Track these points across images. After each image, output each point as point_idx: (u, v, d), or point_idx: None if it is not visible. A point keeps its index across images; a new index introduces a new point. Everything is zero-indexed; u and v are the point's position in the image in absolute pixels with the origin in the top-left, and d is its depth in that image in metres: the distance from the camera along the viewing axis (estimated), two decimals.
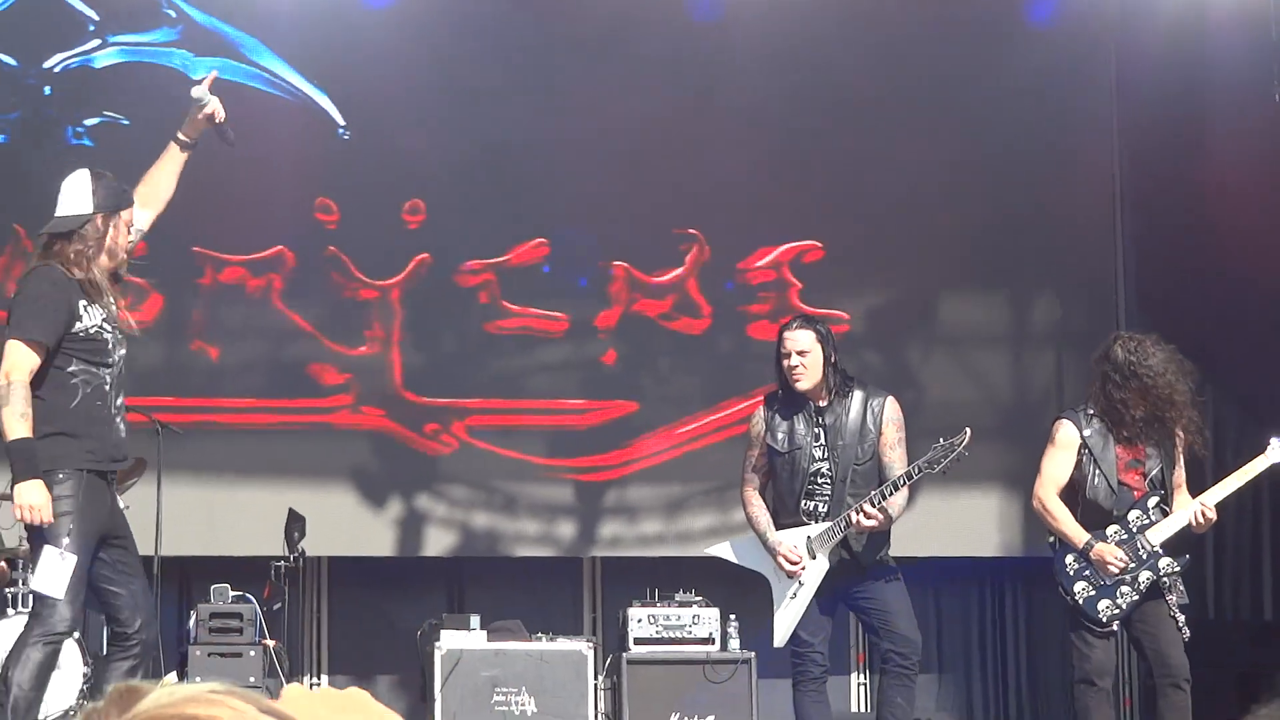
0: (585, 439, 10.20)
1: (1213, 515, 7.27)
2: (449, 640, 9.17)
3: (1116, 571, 7.17)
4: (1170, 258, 10.35)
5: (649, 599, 9.56)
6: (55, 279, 6.27)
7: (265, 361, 10.14)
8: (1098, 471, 7.23)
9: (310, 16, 9.97)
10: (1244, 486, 7.44)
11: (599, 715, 9.37)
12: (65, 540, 6.19)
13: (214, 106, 6.52)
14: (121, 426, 6.40)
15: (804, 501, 7.35)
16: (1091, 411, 7.31)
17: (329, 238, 10.14)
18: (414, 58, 10.14)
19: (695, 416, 10.22)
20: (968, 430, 7.25)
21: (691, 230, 10.30)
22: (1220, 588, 10.37)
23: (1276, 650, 9.70)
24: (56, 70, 9.98)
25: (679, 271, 10.32)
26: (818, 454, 7.35)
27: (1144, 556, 7.20)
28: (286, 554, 9.20)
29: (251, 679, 8.81)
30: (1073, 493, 7.30)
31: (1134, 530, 7.22)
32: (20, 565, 8.50)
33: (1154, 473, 7.27)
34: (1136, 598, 7.20)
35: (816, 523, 7.32)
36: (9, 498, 6.36)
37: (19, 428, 6.14)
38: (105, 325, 6.30)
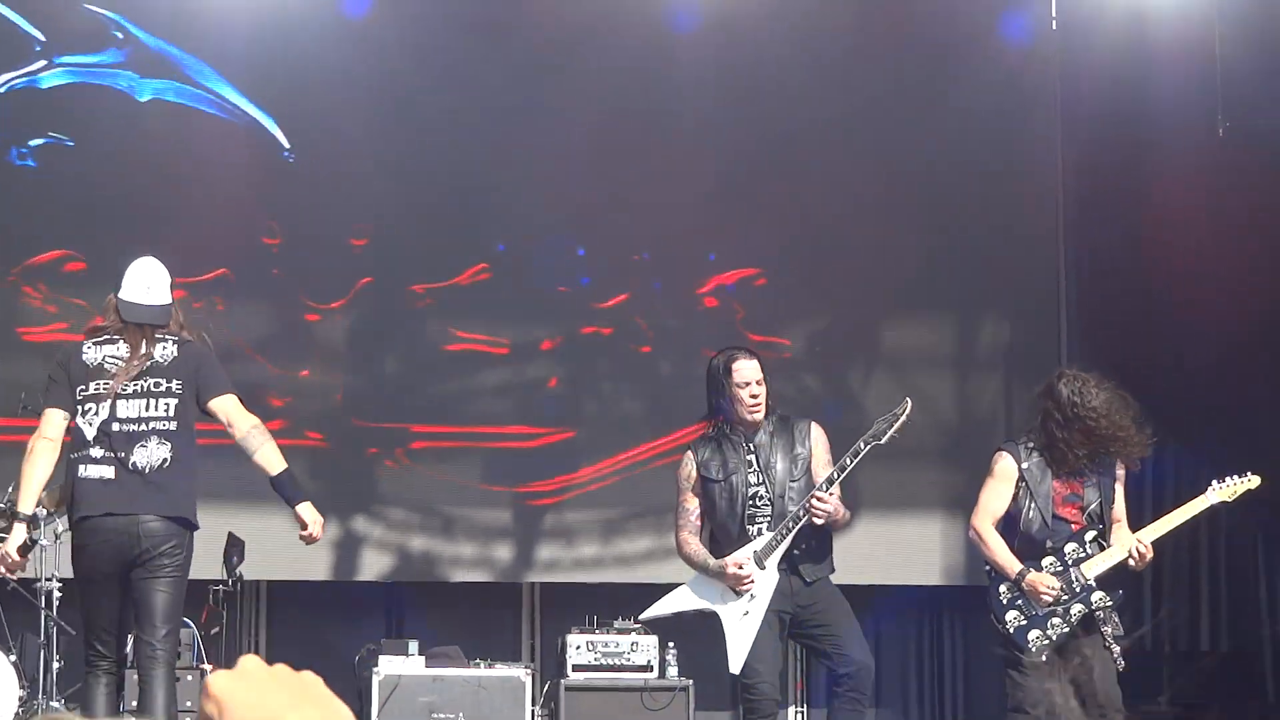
0: (526, 462, 10.20)
1: (1149, 553, 7.30)
2: (387, 665, 9.15)
3: (1049, 601, 7.18)
4: (1111, 285, 10.39)
5: (587, 626, 9.56)
6: None
7: None
8: (1033, 504, 7.25)
9: (256, 39, 9.97)
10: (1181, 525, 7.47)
11: None
12: None
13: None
14: None
15: (747, 526, 7.35)
16: (1032, 445, 7.32)
17: (273, 260, 10.12)
18: (359, 80, 10.14)
19: (637, 441, 10.22)
20: (908, 400, 7.29)
21: (636, 257, 10.33)
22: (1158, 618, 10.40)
23: (1214, 682, 9.74)
24: (2, 90, 9.93)
25: (624, 296, 10.33)
26: (752, 479, 7.37)
27: (1077, 589, 7.22)
28: (225, 578, 9.17)
29: (189, 703, 8.76)
30: (1012, 524, 7.32)
31: (1069, 563, 7.24)
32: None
33: (1092, 506, 7.29)
34: (1066, 629, 7.21)
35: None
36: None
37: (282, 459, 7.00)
38: None
